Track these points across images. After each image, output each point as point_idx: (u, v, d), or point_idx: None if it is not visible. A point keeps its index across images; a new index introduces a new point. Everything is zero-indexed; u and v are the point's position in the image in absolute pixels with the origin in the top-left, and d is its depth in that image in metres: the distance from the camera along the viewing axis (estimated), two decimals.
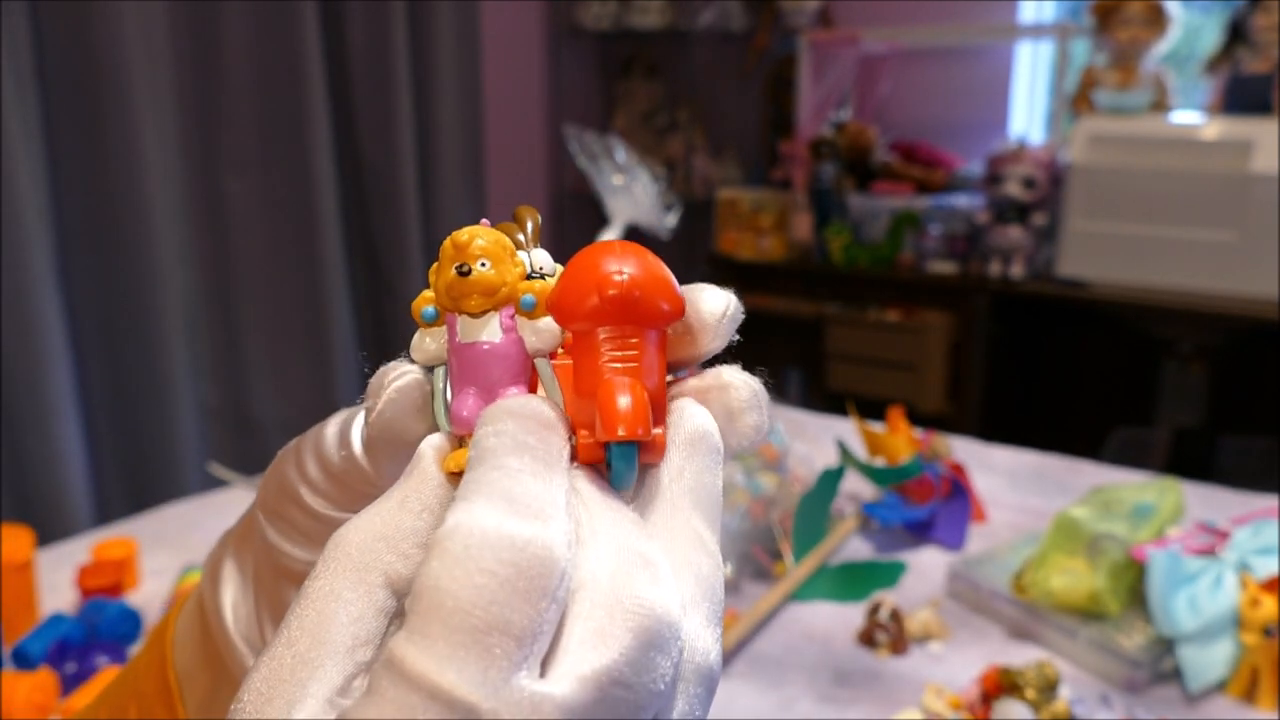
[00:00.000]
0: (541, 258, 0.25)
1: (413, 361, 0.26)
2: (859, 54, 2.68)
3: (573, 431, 0.24)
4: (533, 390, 0.25)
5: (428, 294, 0.25)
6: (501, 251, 0.24)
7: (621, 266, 0.23)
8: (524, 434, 0.22)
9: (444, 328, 0.25)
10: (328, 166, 1.94)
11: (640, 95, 3.13)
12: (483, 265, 0.24)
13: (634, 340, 0.23)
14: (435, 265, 0.25)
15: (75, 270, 1.63)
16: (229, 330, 1.89)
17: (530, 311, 0.24)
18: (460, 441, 0.25)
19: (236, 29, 1.80)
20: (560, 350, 0.25)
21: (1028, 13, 2.66)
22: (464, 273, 0.24)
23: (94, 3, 1.56)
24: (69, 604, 0.92)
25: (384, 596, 0.22)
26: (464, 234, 0.24)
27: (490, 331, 0.24)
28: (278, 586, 0.31)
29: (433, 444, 0.25)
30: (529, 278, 0.25)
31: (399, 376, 0.26)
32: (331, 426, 0.30)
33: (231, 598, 0.31)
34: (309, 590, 0.22)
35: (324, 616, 0.21)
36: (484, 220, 0.26)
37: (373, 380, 0.26)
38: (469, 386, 0.25)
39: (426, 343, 0.25)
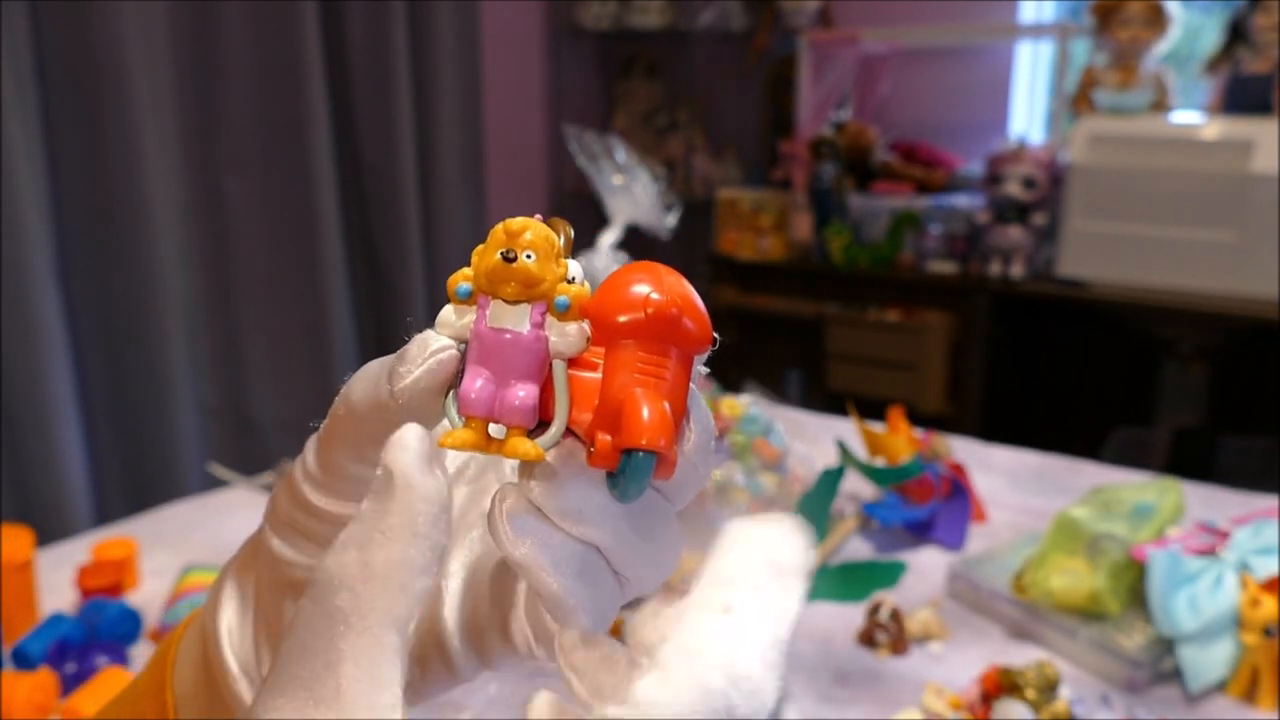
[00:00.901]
0: (573, 268, 0.25)
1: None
2: (859, 54, 2.68)
3: (589, 439, 0.24)
4: (544, 391, 0.25)
5: (467, 271, 0.26)
6: (549, 248, 0.25)
7: (665, 287, 0.24)
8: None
9: (473, 307, 0.25)
10: (328, 166, 1.94)
11: (640, 95, 3.13)
12: (528, 256, 0.24)
13: (665, 359, 0.24)
14: (481, 246, 0.25)
15: (75, 270, 1.63)
16: (229, 330, 1.89)
17: (562, 313, 0.25)
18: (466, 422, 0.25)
19: (236, 29, 1.80)
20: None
21: (1028, 13, 2.66)
22: (509, 259, 0.24)
23: (94, 2, 1.56)
24: (69, 604, 0.92)
25: (393, 641, 0.22)
26: (518, 222, 0.25)
27: (518, 322, 0.25)
28: (278, 604, 0.30)
29: (408, 454, 0.24)
30: (567, 282, 0.25)
31: (443, 350, 0.25)
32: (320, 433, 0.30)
33: (228, 622, 0.31)
34: (312, 647, 0.22)
35: (350, 682, 0.22)
36: (537, 215, 0.26)
37: (411, 346, 0.26)
38: (483, 371, 0.25)
39: (454, 318, 0.26)
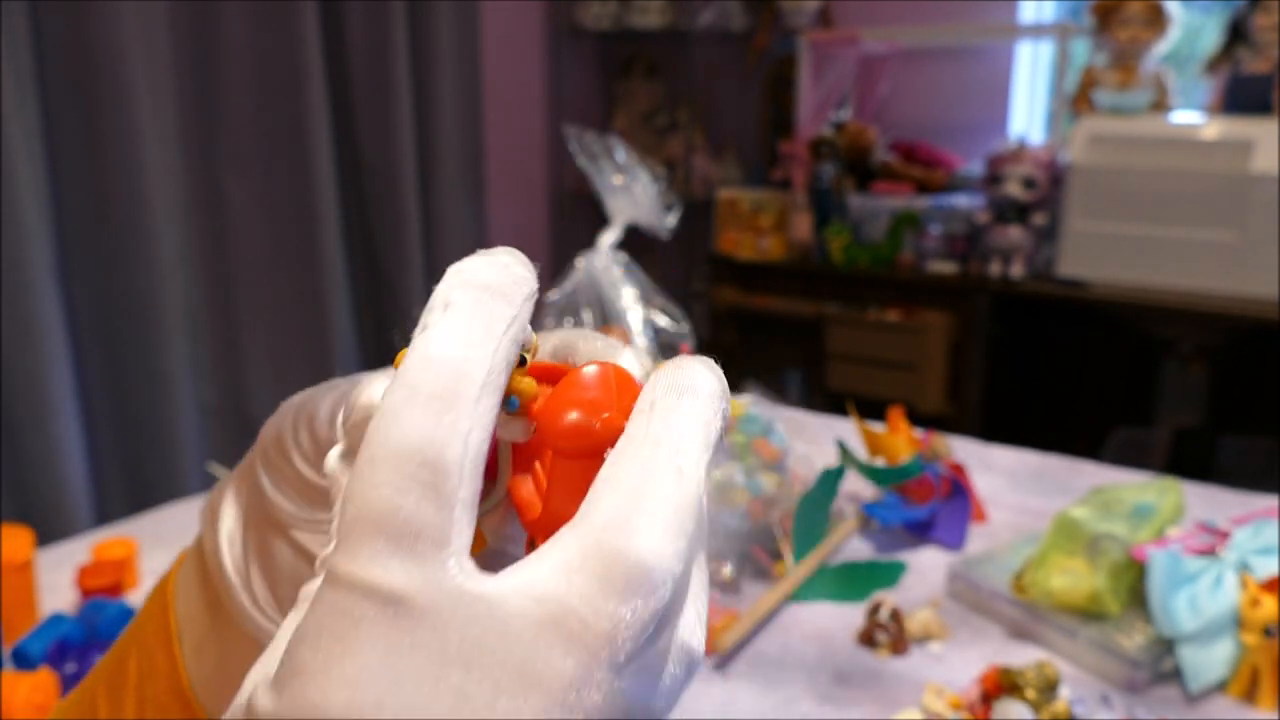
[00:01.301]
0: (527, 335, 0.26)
1: None
2: (859, 54, 2.68)
3: (530, 540, 0.24)
4: (490, 466, 0.25)
5: None
6: None
7: (605, 422, 0.23)
8: (469, 308, 0.22)
9: None
10: (328, 166, 1.94)
11: (640, 95, 3.13)
12: None
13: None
14: None
15: (75, 270, 1.63)
16: (229, 330, 1.89)
17: (512, 413, 0.24)
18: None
19: (236, 29, 1.80)
20: None
21: (1028, 13, 2.66)
22: None
23: (94, 2, 1.56)
24: (69, 604, 0.92)
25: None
26: None
27: None
28: (264, 535, 0.31)
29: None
30: (520, 362, 0.25)
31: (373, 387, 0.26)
32: (325, 406, 0.30)
33: (229, 533, 0.31)
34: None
35: None
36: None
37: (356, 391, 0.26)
38: None
39: None
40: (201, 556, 0.33)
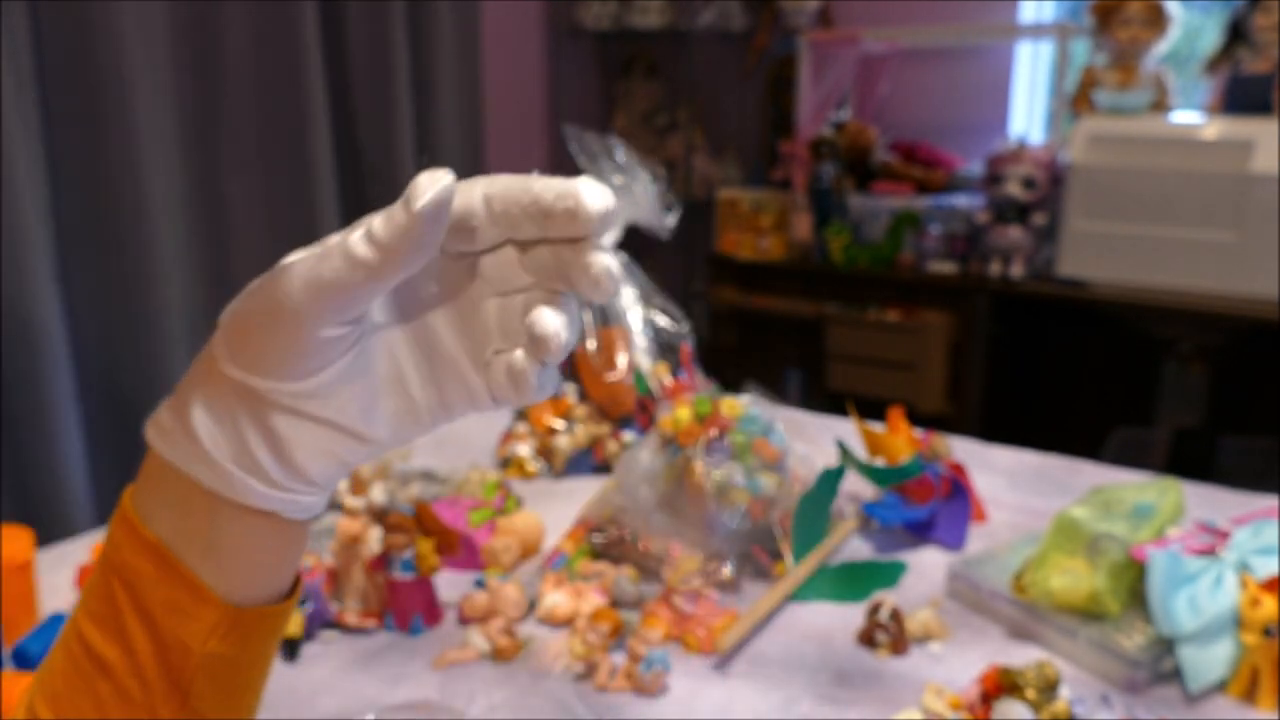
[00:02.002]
0: None
1: None
2: (859, 54, 2.68)
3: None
4: None
5: None
6: None
7: None
8: None
9: None
10: (328, 166, 1.94)
11: (640, 95, 3.13)
12: None
13: None
14: None
15: (75, 270, 1.63)
16: None
17: None
18: None
19: (236, 29, 1.80)
20: None
21: (1028, 13, 2.66)
22: None
23: (94, 2, 1.56)
24: (69, 604, 0.92)
25: None
26: None
27: None
28: (262, 419, 0.33)
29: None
30: None
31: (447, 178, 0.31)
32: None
33: (211, 442, 0.34)
34: None
35: None
36: None
37: (420, 178, 0.32)
38: None
39: None
40: (164, 483, 0.35)
